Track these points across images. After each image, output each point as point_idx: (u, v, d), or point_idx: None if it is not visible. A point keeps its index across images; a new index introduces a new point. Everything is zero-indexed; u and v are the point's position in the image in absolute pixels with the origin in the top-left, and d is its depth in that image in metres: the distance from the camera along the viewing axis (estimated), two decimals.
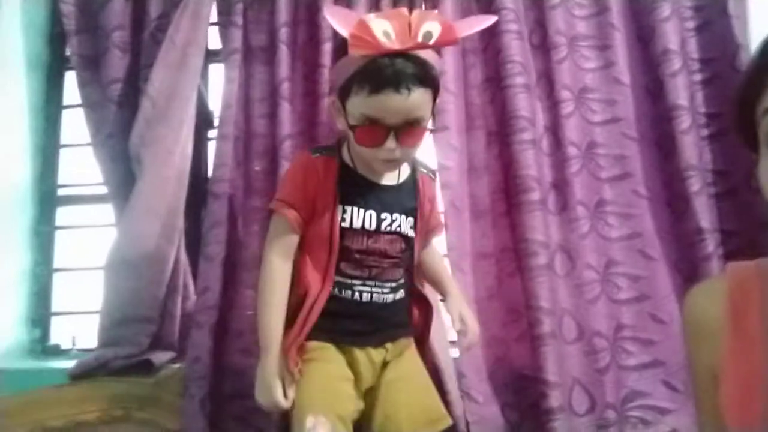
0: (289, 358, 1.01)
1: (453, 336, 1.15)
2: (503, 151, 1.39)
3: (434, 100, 1.02)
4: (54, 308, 1.73)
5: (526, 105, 1.36)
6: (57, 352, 1.69)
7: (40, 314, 1.71)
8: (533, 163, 1.33)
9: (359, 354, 1.06)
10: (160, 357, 1.49)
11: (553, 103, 1.43)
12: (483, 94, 1.47)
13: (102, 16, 1.58)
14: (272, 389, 0.99)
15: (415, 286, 1.16)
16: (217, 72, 1.72)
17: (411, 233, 1.10)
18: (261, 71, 1.52)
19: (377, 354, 1.08)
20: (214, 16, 1.58)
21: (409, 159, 1.09)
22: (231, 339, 1.38)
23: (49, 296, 1.73)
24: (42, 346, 1.70)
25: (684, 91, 1.40)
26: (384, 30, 0.91)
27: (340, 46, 1.00)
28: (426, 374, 1.12)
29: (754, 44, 1.41)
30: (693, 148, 1.37)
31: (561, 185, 1.39)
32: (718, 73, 1.45)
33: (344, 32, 0.94)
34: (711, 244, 1.32)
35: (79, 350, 1.67)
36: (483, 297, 1.36)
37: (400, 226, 1.08)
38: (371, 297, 1.07)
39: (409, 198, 1.11)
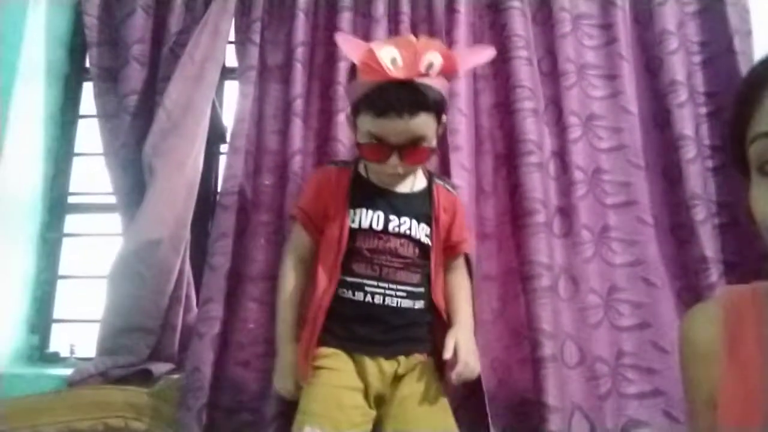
0: (300, 368, 1.08)
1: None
2: (510, 174, 1.41)
3: (439, 120, 1.09)
4: (54, 316, 1.73)
5: (534, 129, 1.38)
6: (55, 359, 1.68)
7: (41, 321, 1.71)
8: (539, 186, 1.35)
9: (369, 363, 1.07)
10: (159, 368, 1.48)
11: (560, 129, 1.45)
12: (492, 119, 1.49)
13: (123, 30, 1.63)
14: (287, 379, 1.09)
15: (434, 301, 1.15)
16: (231, 88, 1.76)
17: (425, 240, 1.13)
18: (276, 89, 1.55)
19: (389, 365, 1.08)
20: (232, 34, 1.63)
21: (411, 172, 1.14)
22: (231, 351, 1.38)
23: (51, 303, 1.73)
24: (40, 353, 1.69)
25: (690, 122, 1.42)
26: (392, 57, 0.99)
27: (352, 69, 1.09)
28: (441, 392, 1.09)
29: None
30: (698, 178, 1.39)
31: (566, 209, 1.41)
32: (723, 107, 1.48)
33: (354, 59, 1.04)
34: (715, 274, 1.32)
35: (77, 359, 1.66)
36: (488, 319, 1.36)
37: (410, 229, 1.11)
38: (384, 299, 1.08)
39: (422, 205, 1.15)
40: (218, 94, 1.73)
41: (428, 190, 1.17)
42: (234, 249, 1.41)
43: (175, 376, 1.44)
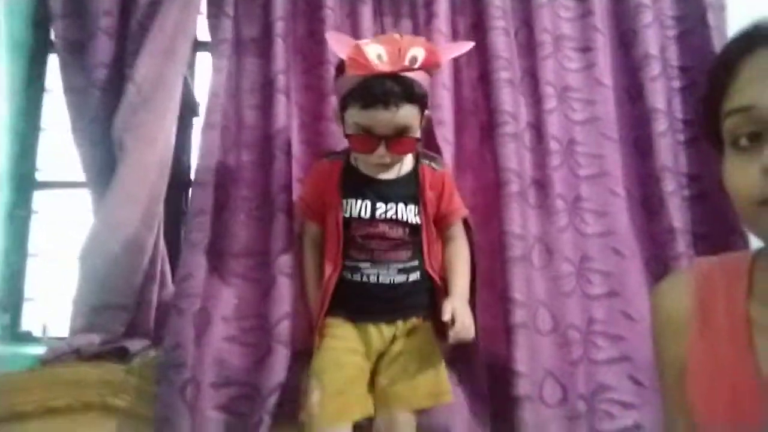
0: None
1: None
2: (487, 145, 1.41)
3: (422, 112, 1.17)
4: (26, 294, 1.70)
5: (510, 100, 1.39)
6: (28, 338, 1.66)
7: (12, 300, 1.68)
8: (514, 157, 1.35)
9: (372, 329, 1.21)
10: (135, 344, 1.47)
11: (536, 100, 1.45)
12: (475, 91, 1.49)
13: (89, 1, 1.57)
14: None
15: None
16: (204, 62, 1.72)
17: (413, 220, 1.22)
18: (252, 63, 1.51)
19: (388, 330, 1.21)
20: (204, 7, 1.58)
21: (398, 161, 1.21)
22: (214, 327, 1.36)
23: (22, 282, 1.70)
24: (12, 332, 1.66)
25: (662, 95, 1.44)
26: (378, 53, 1.07)
27: (340, 65, 1.16)
28: (436, 351, 1.20)
29: None
30: (669, 151, 1.41)
31: (542, 179, 1.42)
32: (696, 81, 1.50)
33: (342, 55, 1.10)
34: (682, 245, 1.35)
35: (50, 337, 1.64)
36: (480, 288, 1.35)
37: (396, 213, 1.20)
38: (378, 278, 1.20)
39: (408, 188, 1.23)
40: (190, 67, 1.69)
41: (414, 172, 1.24)
42: (213, 225, 1.40)
43: (152, 353, 1.43)
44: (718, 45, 1.46)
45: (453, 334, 1.10)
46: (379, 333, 1.21)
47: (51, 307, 1.70)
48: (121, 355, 1.44)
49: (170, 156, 1.53)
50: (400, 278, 1.21)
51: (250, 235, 1.41)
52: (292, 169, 1.38)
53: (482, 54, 1.46)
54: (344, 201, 1.20)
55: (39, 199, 1.75)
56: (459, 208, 1.28)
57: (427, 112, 1.20)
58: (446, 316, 1.10)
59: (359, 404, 1.15)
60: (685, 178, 1.44)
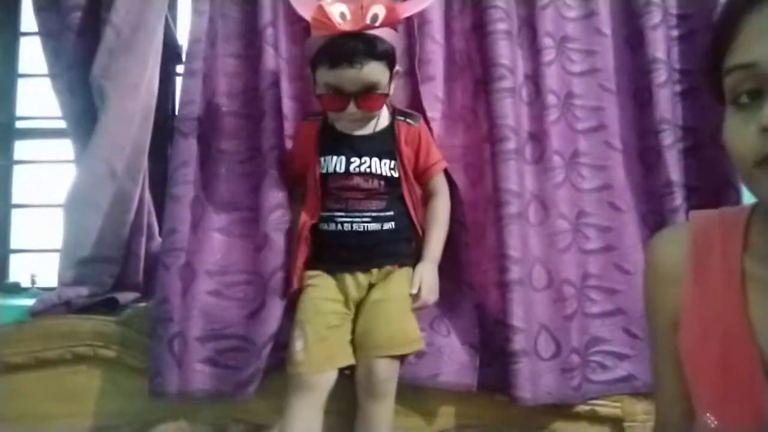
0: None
1: None
2: (484, 100, 1.37)
3: (391, 69, 1.20)
4: (12, 245, 1.68)
5: (507, 52, 1.33)
6: (16, 290, 1.65)
7: None
8: (511, 113, 1.31)
9: (348, 278, 1.24)
10: (125, 296, 1.47)
11: (534, 51, 1.40)
12: (469, 43, 1.43)
13: None
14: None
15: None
16: (185, 4, 1.63)
17: (389, 173, 1.25)
18: (236, 9, 1.43)
19: (364, 278, 1.24)
20: None
21: (371, 118, 1.24)
22: (199, 281, 1.35)
23: (7, 233, 1.68)
24: (0, 284, 1.65)
25: (662, 44, 1.39)
26: (341, 12, 1.11)
27: (307, 27, 1.19)
28: (408, 299, 1.22)
29: None
30: (668, 103, 1.37)
31: (539, 134, 1.39)
32: (695, 29, 1.45)
33: (306, 16, 1.14)
34: (679, 198, 1.34)
35: (39, 289, 1.63)
36: (468, 244, 1.36)
37: (370, 167, 1.23)
38: (351, 226, 1.23)
39: (384, 143, 1.26)
40: (171, 10, 1.61)
41: (390, 128, 1.27)
42: (196, 178, 1.36)
43: (143, 305, 1.43)
44: None
45: (419, 303, 1.21)
46: (355, 282, 1.24)
47: (39, 258, 1.68)
48: (112, 306, 1.44)
49: (153, 104, 1.47)
50: (373, 226, 1.23)
51: (236, 188, 1.38)
52: (283, 127, 1.34)
53: (476, 4, 1.40)
54: (321, 158, 1.25)
55: (21, 148, 1.70)
56: (437, 161, 1.30)
57: (397, 68, 1.23)
58: (414, 289, 1.20)
59: (342, 351, 1.19)
60: (680, 130, 1.42)
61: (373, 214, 1.24)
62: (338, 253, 1.25)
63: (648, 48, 1.39)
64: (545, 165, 1.37)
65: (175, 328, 1.28)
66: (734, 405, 0.65)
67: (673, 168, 1.36)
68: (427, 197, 1.31)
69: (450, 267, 1.32)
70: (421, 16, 1.36)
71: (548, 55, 1.40)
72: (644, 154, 1.42)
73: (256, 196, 1.33)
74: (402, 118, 1.28)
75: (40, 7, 1.50)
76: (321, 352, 1.16)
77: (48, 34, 1.49)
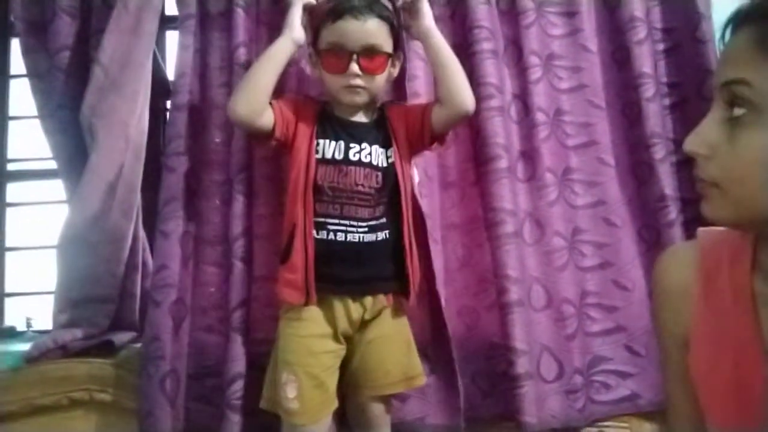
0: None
1: None
2: (472, 119, 1.37)
3: (394, 39, 1.19)
4: (7, 289, 1.66)
5: (494, 71, 1.34)
6: (12, 334, 1.62)
7: None
8: (501, 131, 1.32)
9: (338, 307, 1.13)
10: (121, 337, 1.45)
11: (521, 70, 1.41)
12: None
13: None
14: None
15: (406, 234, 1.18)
16: (174, 39, 1.64)
17: (386, 163, 1.17)
18: (219, 38, 1.43)
19: (355, 309, 1.14)
20: None
21: (371, 91, 1.18)
22: (192, 317, 1.33)
23: (2, 277, 1.66)
24: None
25: (649, 59, 1.40)
26: None
27: (311, 11, 1.20)
28: (407, 332, 1.19)
29: (716, 14, 1.43)
30: (657, 116, 1.38)
31: (529, 152, 1.38)
32: (680, 42, 1.47)
33: None
34: (674, 211, 1.34)
35: (35, 332, 1.61)
36: (454, 267, 1.35)
37: (370, 154, 1.16)
38: (346, 236, 1.13)
39: (381, 130, 1.20)
40: (159, 46, 1.61)
41: (383, 115, 1.23)
42: (186, 212, 1.35)
43: (138, 345, 1.40)
44: (702, 5, 1.43)
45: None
46: (346, 313, 1.13)
47: (34, 300, 1.66)
48: (108, 348, 1.42)
49: (144, 141, 1.47)
50: (369, 237, 1.14)
51: (223, 221, 1.36)
52: (252, 148, 1.33)
53: (460, 23, 1.41)
54: (317, 141, 1.16)
55: (13, 191, 1.69)
56: (425, 102, 1.26)
57: (399, 52, 1.23)
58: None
59: (334, 394, 1.13)
60: (672, 143, 1.42)
61: (370, 222, 1.14)
62: (325, 268, 1.12)
63: (635, 63, 1.40)
64: (538, 183, 1.37)
65: (166, 366, 1.26)
66: (749, 423, 0.63)
67: (667, 181, 1.35)
68: (440, 119, 1.18)
69: (426, 302, 1.31)
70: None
71: (535, 73, 1.41)
72: (636, 169, 1.42)
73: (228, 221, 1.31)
74: (390, 102, 1.29)
75: (27, 49, 1.51)
76: (317, 399, 1.09)
77: (37, 75, 1.50)
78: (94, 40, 1.45)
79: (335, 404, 1.12)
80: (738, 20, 0.60)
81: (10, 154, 1.69)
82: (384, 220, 1.16)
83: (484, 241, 1.32)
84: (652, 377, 1.28)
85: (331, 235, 1.12)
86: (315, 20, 1.19)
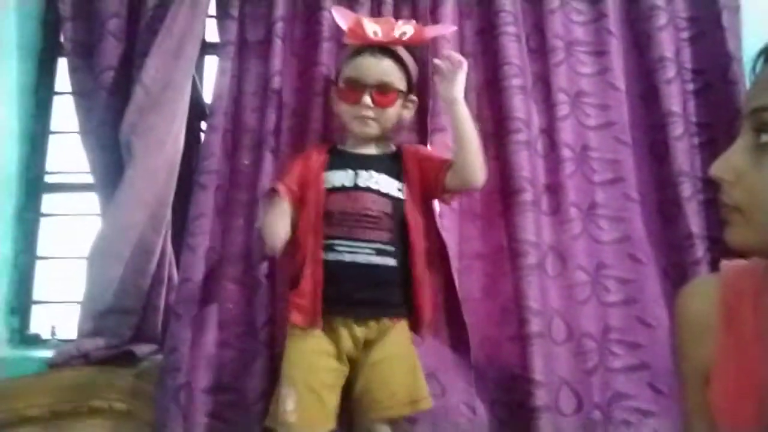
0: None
1: None
2: (499, 152, 1.39)
3: (408, 82, 1.27)
4: (34, 297, 1.70)
5: (522, 107, 1.36)
6: (36, 341, 1.66)
7: (20, 302, 1.68)
8: (527, 165, 1.33)
9: (342, 329, 1.15)
10: (142, 348, 1.47)
11: (548, 106, 1.43)
12: (480, 97, 1.47)
13: (98, 3, 1.56)
14: (272, 227, 1.15)
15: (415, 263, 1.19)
16: (212, 64, 1.70)
17: (396, 194, 1.21)
18: (255, 65, 1.50)
19: (359, 330, 1.15)
20: (212, 8, 1.58)
21: (381, 124, 1.25)
22: (210, 332, 1.35)
23: (31, 285, 1.70)
24: (21, 335, 1.66)
25: (678, 98, 1.41)
26: (374, 30, 1.24)
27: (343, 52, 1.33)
28: (413, 355, 1.19)
29: (746, 56, 1.44)
30: (685, 155, 1.38)
31: (555, 187, 1.39)
32: (710, 83, 1.47)
33: (343, 26, 1.25)
34: (700, 250, 1.32)
35: (59, 340, 1.64)
36: (476, 297, 1.35)
37: (378, 182, 1.20)
38: (354, 258, 1.15)
39: (392, 164, 1.25)
40: (198, 70, 1.68)
41: (397, 153, 1.29)
42: (212, 229, 1.39)
43: (159, 357, 1.42)
44: (732, 47, 1.43)
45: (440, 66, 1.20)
46: (349, 334, 1.15)
47: (60, 309, 1.70)
48: (129, 359, 1.43)
49: (178, 159, 1.52)
50: (376, 260, 1.15)
51: (245, 239, 1.39)
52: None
53: (491, 60, 1.44)
54: (326, 174, 1.22)
55: (48, 202, 1.75)
56: (442, 155, 1.28)
57: (412, 96, 1.30)
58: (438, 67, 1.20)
59: (333, 413, 1.13)
60: (699, 181, 1.41)
61: (378, 246, 1.16)
62: (336, 287, 1.13)
63: (663, 102, 1.41)
64: (562, 217, 1.37)
65: (182, 378, 1.27)
66: None
67: (693, 219, 1.34)
68: (452, 182, 1.20)
69: (444, 323, 1.31)
70: (436, 68, 1.40)
71: (563, 109, 1.43)
72: (663, 206, 1.41)
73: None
74: (407, 145, 1.33)
75: (74, 68, 1.59)
76: (315, 414, 1.10)
77: (81, 93, 1.57)
78: (137, 61, 1.52)
79: (333, 424, 1.12)
80: None
81: (48, 167, 1.75)
82: (392, 248, 1.17)
83: (507, 271, 1.32)
84: (675, 416, 1.25)
85: (340, 256, 1.15)
86: (339, 64, 1.29)
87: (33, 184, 1.73)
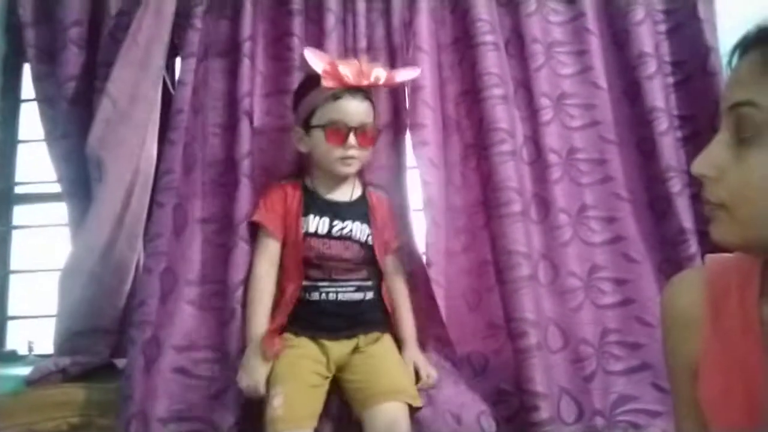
0: (265, 342, 1.18)
1: None
2: (481, 163, 1.36)
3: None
4: (10, 312, 1.66)
5: (505, 116, 1.34)
6: (13, 358, 1.61)
7: None
8: (514, 175, 1.31)
9: (332, 344, 1.24)
10: (122, 361, 1.43)
11: (531, 112, 1.41)
12: (459, 107, 1.45)
13: (59, 10, 1.50)
14: (254, 372, 1.17)
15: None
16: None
17: (367, 239, 1.31)
18: (218, 79, 1.46)
19: (349, 343, 1.26)
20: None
21: (361, 161, 1.31)
22: (165, 357, 1.28)
23: (5, 299, 1.66)
24: None
25: (660, 93, 1.40)
26: (346, 73, 1.25)
27: (304, 84, 1.31)
28: (401, 360, 1.26)
29: (723, 46, 1.43)
30: (672, 150, 1.37)
31: (542, 194, 1.38)
32: (690, 75, 1.46)
33: (318, 69, 1.24)
34: (693, 245, 1.32)
35: (36, 356, 1.60)
36: (463, 312, 1.35)
37: (351, 231, 1.29)
38: (337, 296, 1.26)
39: (361, 209, 1.33)
40: (171, 73, 1.62)
41: (363, 197, 1.36)
42: (170, 249, 1.34)
43: None
44: (709, 37, 1.43)
45: (427, 384, 1.24)
46: (339, 347, 1.25)
47: (37, 324, 1.66)
48: (109, 372, 1.41)
49: (152, 172, 1.44)
50: (357, 296, 1.28)
51: (204, 260, 1.36)
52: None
53: (469, 70, 1.41)
54: (304, 218, 1.29)
55: (19, 213, 1.70)
56: (394, 239, 1.36)
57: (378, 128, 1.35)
58: (422, 378, 1.24)
59: (317, 412, 1.18)
60: (687, 175, 1.39)
61: (357, 283, 1.28)
62: (321, 321, 1.26)
63: (646, 97, 1.39)
64: (551, 224, 1.36)
65: (135, 407, 1.22)
66: None
67: (685, 215, 1.34)
68: (384, 274, 1.33)
69: (428, 342, 1.32)
70: (414, 81, 1.39)
71: (546, 114, 1.41)
72: (654, 203, 1.40)
73: (227, 267, 1.30)
74: (373, 189, 1.38)
75: (37, 76, 1.53)
76: (301, 410, 1.15)
77: (45, 101, 1.52)
78: (100, 71, 1.46)
79: (315, 423, 1.16)
80: (745, 45, 0.61)
81: (18, 177, 1.70)
82: (371, 282, 1.30)
83: (493, 285, 1.31)
84: None
85: (323, 296, 1.26)
86: (307, 103, 1.28)
87: (2, 196, 1.67)
